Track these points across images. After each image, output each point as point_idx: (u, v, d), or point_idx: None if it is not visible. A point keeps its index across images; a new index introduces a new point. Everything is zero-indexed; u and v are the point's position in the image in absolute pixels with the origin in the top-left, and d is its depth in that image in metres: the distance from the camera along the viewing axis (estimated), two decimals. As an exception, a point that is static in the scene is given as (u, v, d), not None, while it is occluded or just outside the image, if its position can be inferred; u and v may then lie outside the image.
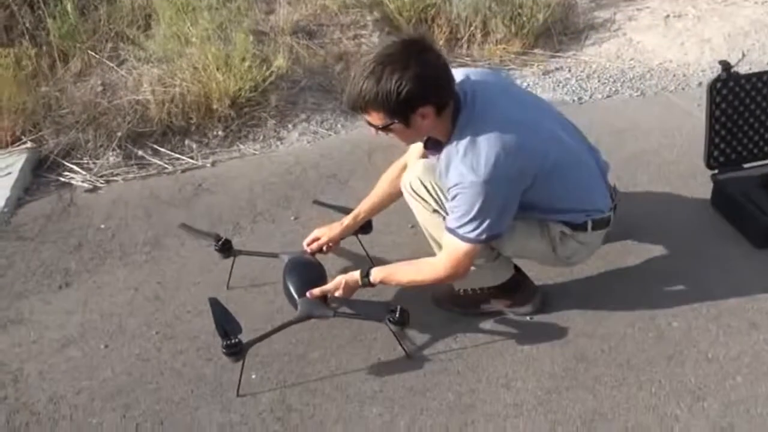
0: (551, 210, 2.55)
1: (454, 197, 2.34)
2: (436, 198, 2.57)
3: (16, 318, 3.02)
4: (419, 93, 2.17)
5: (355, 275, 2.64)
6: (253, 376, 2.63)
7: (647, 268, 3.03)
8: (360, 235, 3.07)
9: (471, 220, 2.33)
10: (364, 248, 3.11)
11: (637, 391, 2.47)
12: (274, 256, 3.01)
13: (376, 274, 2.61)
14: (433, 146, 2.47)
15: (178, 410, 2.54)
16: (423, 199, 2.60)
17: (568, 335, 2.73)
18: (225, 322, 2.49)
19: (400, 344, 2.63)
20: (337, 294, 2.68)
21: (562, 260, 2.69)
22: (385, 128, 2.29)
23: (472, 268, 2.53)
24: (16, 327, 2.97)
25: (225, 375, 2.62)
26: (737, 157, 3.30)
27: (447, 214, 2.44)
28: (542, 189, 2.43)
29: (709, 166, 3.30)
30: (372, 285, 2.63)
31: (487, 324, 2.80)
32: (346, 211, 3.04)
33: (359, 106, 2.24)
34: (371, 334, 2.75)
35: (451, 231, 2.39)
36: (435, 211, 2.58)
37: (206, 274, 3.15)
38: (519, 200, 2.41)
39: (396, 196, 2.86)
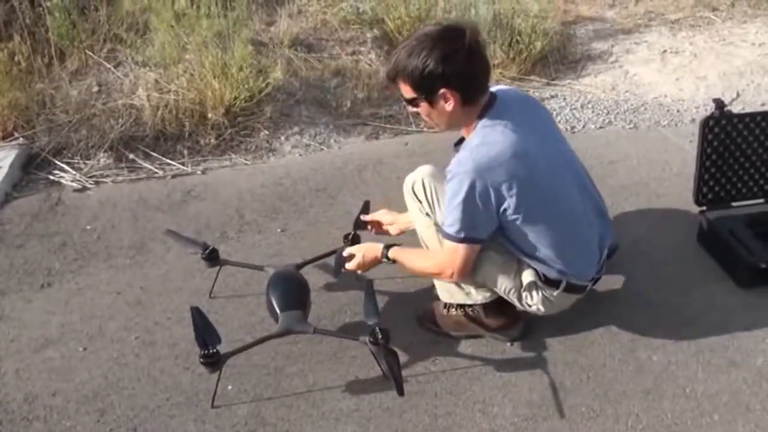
0: (530, 255, 2.56)
1: (447, 182, 2.42)
2: (430, 203, 2.65)
3: (-5, 315, 3.01)
4: (441, 73, 2.30)
5: (376, 249, 2.73)
6: (230, 388, 2.62)
7: (630, 299, 3.03)
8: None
9: (452, 212, 2.41)
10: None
11: (613, 424, 2.47)
12: (260, 268, 3.01)
13: (395, 252, 2.70)
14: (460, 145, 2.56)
15: (153, 418, 2.52)
16: (419, 200, 2.68)
17: (547, 363, 2.72)
18: (205, 332, 2.48)
19: (379, 364, 2.62)
20: (354, 267, 2.78)
21: (523, 306, 2.69)
22: (412, 103, 2.44)
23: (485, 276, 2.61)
24: (-5, 324, 2.96)
25: (202, 384, 2.61)
26: (726, 195, 3.32)
27: (438, 218, 2.56)
28: (528, 227, 2.48)
29: (698, 203, 3.31)
30: (393, 262, 2.71)
31: (467, 348, 2.79)
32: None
33: (392, 75, 2.43)
34: (350, 351, 2.74)
35: (440, 227, 2.52)
36: (427, 214, 2.67)
37: (189, 282, 3.14)
38: (498, 221, 2.47)
39: None
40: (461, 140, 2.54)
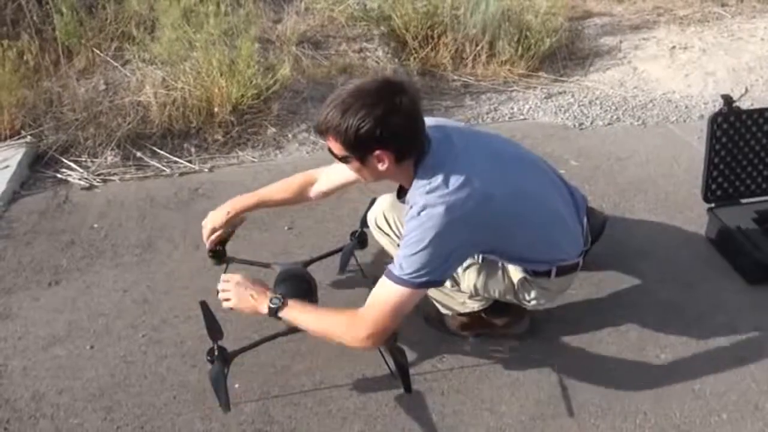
0: (512, 258, 2.51)
1: (407, 228, 2.23)
2: (397, 233, 2.59)
3: (3, 313, 3.01)
4: (378, 135, 2.11)
5: (261, 300, 2.36)
6: (237, 386, 2.62)
7: (639, 297, 3.02)
8: (355, 250, 3.05)
9: (415, 257, 2.19)
10: (357, 262, 3.10)
11: (621, 422, 2.46)
12: (267, 266, 3.00)
13: (289, 310, 2.34)
14: (404, 194, 2.40)
15: (160, 416, 2.52)
16: (386, 234, 2.65)
17: (555, 361, 2.71)
18: (209, 326, 2.47)
19: (386, 362, 2.61)
20: (228, 305, 2.43)
21: (524, 303, 2.64)
22: (342, 160, 2.26)
23: (474, 288, 2.56)
24: (2, 322, 2.96)
25: (209, 383, 2.60)
26: (734, 191, 3.30)
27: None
28: (503, 241, 2.38)
29: (706, 200, 3.30)
30: (278, 318, 2.35)
31: (475, 346, 2.79)
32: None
33: (322, 131, 2.22)
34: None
35: (388, 273, 2.24)
36: (398, 245, 2.55)
37: (197, 280, 3.14)
38: (473, 251, 2.43)
39: (283, 202, 2.85)
40: (402, 189, 2.43)
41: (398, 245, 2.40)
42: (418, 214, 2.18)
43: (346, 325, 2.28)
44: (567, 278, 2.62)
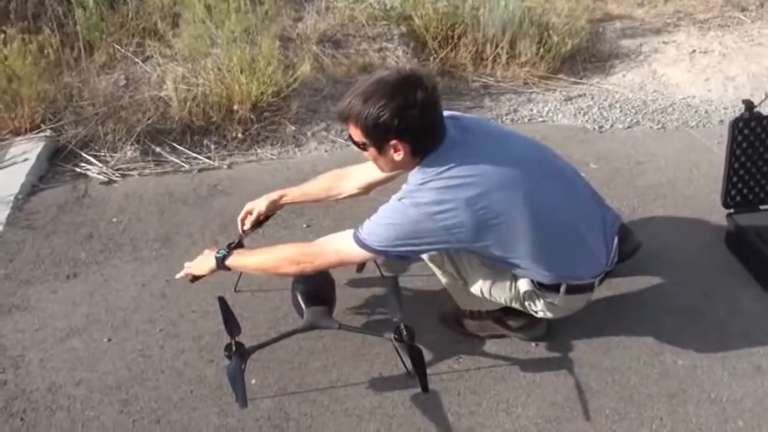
0: (518, 267, 2.47)
1: (384, 207, 2.37)
2: None
3: (21, 304, 3.03)
4: (395, 125, 2.20)
5: (210, 259, 2.64)
6: (253, 382, 2.62)
7: (656, 302, 3.01)
8: None
9: (380, 228, 2.33)
10: (376, 262, 3.09)
11: (637, 427, 2.45)
12: (285, 263, 3.00)
13: (235, 257, 2.61)
14: None
15: (176, 410, 2.53)
16: None
17: (572, 364, 2.71)
18: (227, 322, 2.48)
19: (402, 362, 2.61)
20: (183, 274, 2.77)
21: (531, 312, 2.61)
22: (360, 146, 2.34)
23: (480, 291, 2.54)
24: (21, 313, 2.98)
25: (225, 378, 2.60)
26: (754, 198, 3.28)
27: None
28: (507, 251, 2.38)
29: (726, 205, 3.28)
30: (227, 269, 2.62)
31: (492, 347, 2.78)
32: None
33: (344, 117, 2.31)
34: (375, 348, 2.74)
35: (357, 238, 2.37)
36: None
37: (214, 276, 3.13)
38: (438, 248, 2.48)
39: (323, 199, 3.00)
40: None
41: None
42: (399, 200, 2.33)
43: (296, 253, 2.50)
44: (577, 298, 2.57)
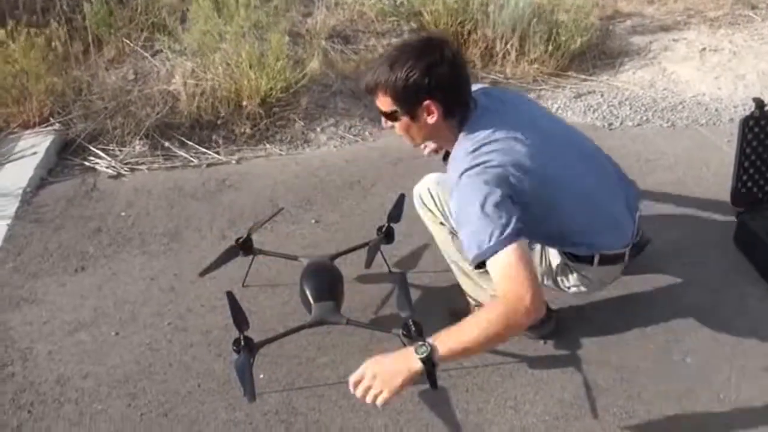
0: (551, 240, 2.48)
1: (454, 199, 2.22)
2: (441, 210, 2.59)
3: (29, 297, 3.03)
4: (427, 84, 2.17)
5: (409, 354, 2.02)
6: (261, 376, 2.62)
7: (666, 300, 3.00)
8: (382, 245, 3.04)
9: (477, 222, 2.10)
10: (384, 257, 3.09)
11: (645, 426, 2.45)
12: (294, 258, 3.00)
13: (440, 340, 2.02)
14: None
15: (184, 403, 2.54)
16: (430, 210, 2.62)
17: (580, 362, 2.70)
18: (235, 316, 2.48)
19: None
20: (381, 399, 2.04)
21: (563, 289, 2.62)
22: (391, 116, 2.28)
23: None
24: (29, 306, 2.99)
25: (234, 372, 2.60)
26: (764, 196, 3.27)
27: (453, 227, 2.41)
28: (541, 221, 2.32)
29: (735, 204, 3.27)
30: (434, 365, 2.02)
31: (500, 344, 2.77)
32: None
33: (371, 88, 2.28)
34: (383, 344, 2.72)
35: (476, 257, 2.11)
36: (441, 223, 2.60)
37: (223, 270, 3.14)
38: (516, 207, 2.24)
39: None
40: (448, 155, 2.41)
41: (441, 223, 2.53)
42: (459, 177, 2.18)
43: (502, 315, 2.01)
44: (610, 269, 2.56)
